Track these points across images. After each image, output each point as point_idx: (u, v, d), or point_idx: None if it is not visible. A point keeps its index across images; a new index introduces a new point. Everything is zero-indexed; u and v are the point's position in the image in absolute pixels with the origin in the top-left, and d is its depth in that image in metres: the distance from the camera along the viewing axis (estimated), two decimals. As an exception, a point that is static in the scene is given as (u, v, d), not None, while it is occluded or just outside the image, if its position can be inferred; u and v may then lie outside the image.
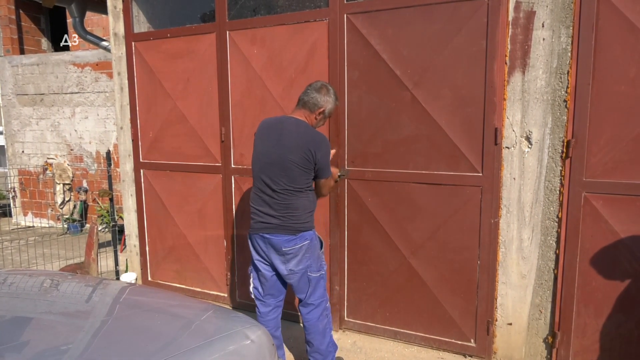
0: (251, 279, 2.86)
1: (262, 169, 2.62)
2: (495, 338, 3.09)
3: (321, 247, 2.81)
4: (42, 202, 7.57)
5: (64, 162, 7.24)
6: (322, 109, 2.63)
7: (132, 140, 4.27)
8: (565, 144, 2.76)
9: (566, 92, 2.73)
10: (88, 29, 5.76)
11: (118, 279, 4.48)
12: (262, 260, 2.74)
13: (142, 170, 4.29)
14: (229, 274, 3.99)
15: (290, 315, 3.69)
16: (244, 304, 3.92)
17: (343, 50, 3.27)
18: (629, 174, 2.63)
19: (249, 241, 2.79)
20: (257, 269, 2.79)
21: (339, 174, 3.25)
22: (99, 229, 6.65)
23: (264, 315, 2.83)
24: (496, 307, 3.06)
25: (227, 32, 3.66)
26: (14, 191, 7.75)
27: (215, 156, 3.87)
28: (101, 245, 5.77)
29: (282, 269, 2.67)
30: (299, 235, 2.61)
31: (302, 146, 2.51)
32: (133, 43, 4.12)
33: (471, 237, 3.04)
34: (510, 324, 3.04)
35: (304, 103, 2.65)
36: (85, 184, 7.20)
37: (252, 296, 2.87)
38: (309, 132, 2.57)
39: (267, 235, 2.63)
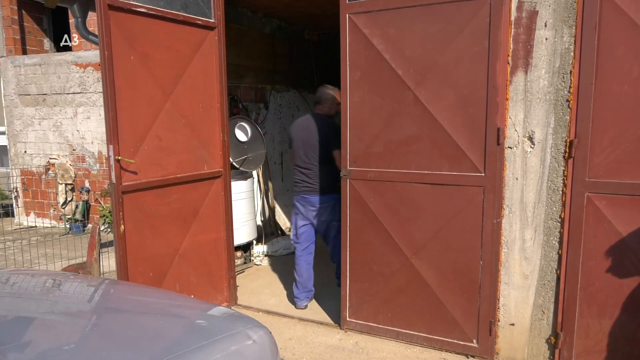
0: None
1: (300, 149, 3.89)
2: (498, 339, 3.08)
3: None
4: (44, 202, 7.58)
5: (66, 162, 7.25)
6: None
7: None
8: (568, 144, 2.75)
9: (569, 92, 2.72)
10: (90, 29, 5.75)
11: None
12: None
13: (144, 171, 4.28)
14: (228, 276, 3.98)
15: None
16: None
17: (345, 50, 3.26)
18: (632, 174, 2.62)
19: None
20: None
21: None
22: (101, 229, 6.65)
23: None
24: (498, 308, 3.05)
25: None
26: (17, 191, 7.75)
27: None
28: (103, 245, 5.76)
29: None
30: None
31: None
32: (135, 43, 4.11)
33: (473, 237, 3.03)
34: (513, 324, 3.03)
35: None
36: (87, 184, 7.21)
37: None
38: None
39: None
